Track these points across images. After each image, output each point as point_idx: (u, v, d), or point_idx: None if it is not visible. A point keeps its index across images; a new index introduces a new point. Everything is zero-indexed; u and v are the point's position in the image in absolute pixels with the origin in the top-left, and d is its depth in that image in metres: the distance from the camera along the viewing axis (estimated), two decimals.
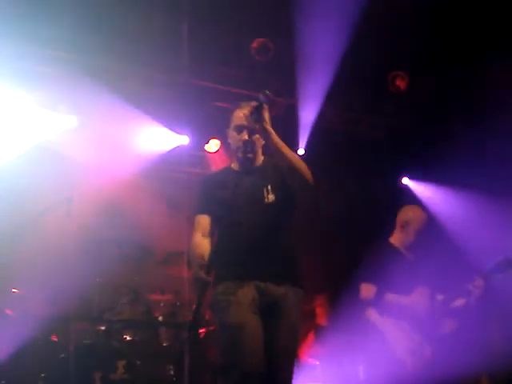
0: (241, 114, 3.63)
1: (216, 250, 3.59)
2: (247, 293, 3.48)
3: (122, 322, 5.38)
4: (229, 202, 3.59)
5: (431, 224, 4.97)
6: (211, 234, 3.64)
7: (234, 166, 3.77)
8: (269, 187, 3.59)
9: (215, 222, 3.66)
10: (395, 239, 4.87)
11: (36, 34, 5.72)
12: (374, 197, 6.81)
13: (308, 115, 6.73)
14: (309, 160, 6.43)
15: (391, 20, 6.13)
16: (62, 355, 4.96)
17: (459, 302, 4.60)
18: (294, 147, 6.86)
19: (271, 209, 3.57)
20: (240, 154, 3.66)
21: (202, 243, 3.59)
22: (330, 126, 7.04)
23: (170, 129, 6.74)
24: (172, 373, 5.34)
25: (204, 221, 3.67)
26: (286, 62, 6.35)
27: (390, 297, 4.62)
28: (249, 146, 3.62)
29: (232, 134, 3.70)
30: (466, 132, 6.52)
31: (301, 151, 6.88)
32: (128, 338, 5.28)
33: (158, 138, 6.74)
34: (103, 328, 5.26)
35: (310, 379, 5.59)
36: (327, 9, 5.78)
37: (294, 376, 3.48)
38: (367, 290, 4.64)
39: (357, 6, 5.74)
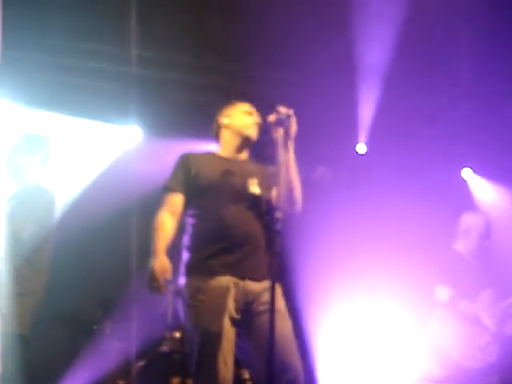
0: (249, 106, 3.64)
1: (191, 236, 3.41)
2: (224, 291, 3.27)
3: None
4: (214, 186, 3.41)
5: (494, 229, 5.01)
6: (180, 217, 3.43)
7: (221, 152, 3.63)
8: (255, 180, 3.46)
9: (192, 206, 3.44)
10: (459, 245, 4.96)
11: None
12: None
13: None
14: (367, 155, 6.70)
15: None
16: (140, 363, 5.08)
17: None
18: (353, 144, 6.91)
19: (256, 199, 3.41)
20: (250, 133, 3.53)
21: (169, 223, 3.39)
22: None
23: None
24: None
25: (176, 200, 3.45)
26: None
27: (464, 304, 4.81)
28: (256, 129, 3.51)
29: (238, 116, 3.60)
30: None
31: (362, 148, 6.90)
32: None
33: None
34: (178, 335, 5.38)
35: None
36: None
37: None
38: (442, 292, 4.81)
39: None
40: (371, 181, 6.52)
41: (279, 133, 3.31)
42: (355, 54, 6.27)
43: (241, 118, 3.61)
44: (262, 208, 3.39)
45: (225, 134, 3.65)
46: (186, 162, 3.53)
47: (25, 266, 3.98)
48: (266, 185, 3.42)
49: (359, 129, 6.78)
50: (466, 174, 6.98)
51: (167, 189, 3.50)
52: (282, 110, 3.33)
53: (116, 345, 5.60)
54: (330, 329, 5.86)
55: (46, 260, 4.15)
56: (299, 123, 3.44)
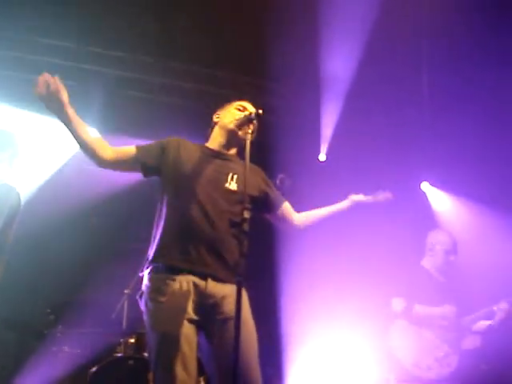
0: (245, 102, 3.59)
1: (159, 226, 3.28)
2: (184, 293, 3.14)
3: None
4: (190, 175, 3.31)
5: (459, 245, 5.08)
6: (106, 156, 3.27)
7: (210, 144, 3.55)
8: (234, 176, 3.38)
9: (166, 193, 3.32)
10: (426, 262, 5.10)
11: None
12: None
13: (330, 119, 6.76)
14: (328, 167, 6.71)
15: None
16: (93, 369, 4.92)
17: (484, 323, 4.75)
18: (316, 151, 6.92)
19: (231, 196, 3.32)
20: (233, 127, 3.43)
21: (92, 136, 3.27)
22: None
23: None
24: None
25: (125, 149, 3.36)
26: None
27: (419, 307, 4.85)
28: (250, 121, 3.33)
29: (230, 111, 3.54)
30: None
31: (322, 157, 6.93)
32: None
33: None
34: (132, 341, 5.30)
35: None
36: None
37: None
38: (397, 303, 4.86)
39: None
40: (331, 193, 6.51)
41: (249, 130, 3.28)
42: (319, 65, 6.27)
43: (230, 114, 3.54)
44: (237, 205, 3.28)
45: (214, 131, 3.60)
46: (168, 143, 3.44)
47: None
48: (247, 183, 3.20)
49: (321, 139, 6.80)
50: (425, 186, 7.02)
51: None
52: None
53: (67, 350, 5.43)
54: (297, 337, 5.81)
55: (2, 259, 3.99)
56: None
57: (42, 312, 5.61)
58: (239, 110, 3.55)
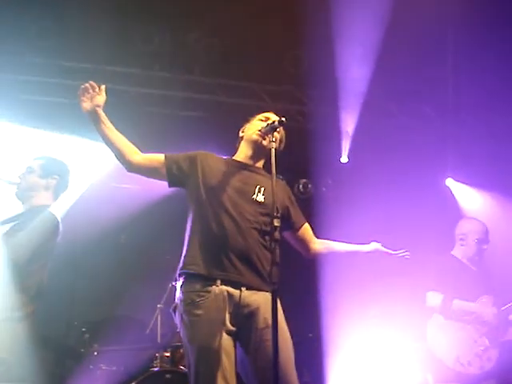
0: (269, 113, 3.59)
1: (189, 241, 3.29)
2: (219, 304, 3.14)
3: None
4: (218, 188, 3.33)
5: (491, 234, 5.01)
6: (139, 164, 3.41)
7: (237, 157, 3.56)
8: (262, 188, 3.39)
9: (194, 208, 3.35)
10: (457, 252, 5.02)
11: None
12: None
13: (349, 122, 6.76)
14: (351, 167, 6.71)
15: None
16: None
17: None
18: (337, 156, 6.93)
19: (258, 207, 3.33)
20: (257, 137, 3.43)
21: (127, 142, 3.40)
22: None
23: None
24: None
25: (156, 156, 3.49)
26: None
27: (458, 303, 4.77)
28: (274, 130, 3.30)
29: (254, 123, 3.55)
30: None
31: (344, 159, 6.93)
32: None
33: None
34: (168, 354, 5.33)
35: None
36: None
37: None
38: (434, 297, 4.79)
39: None
40: (356, 193, 6.51)
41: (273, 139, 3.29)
42: (337, 67, 6.26)
43: (253, 126, 3.55)
44: (264, 216, 3.31)
45: (241, 145, 3.61)
46: (196, 155, 3.48)
47: (16, 291, 3.75)
48: (274, 195, 3.20)
49: (342, 142, 6.80)
50: (450, 182, 6.99)
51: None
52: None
53: (104, 368, 5.46)
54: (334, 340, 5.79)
55: (38, 287, 3.91)
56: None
57: (77, 331, 5.65)
58: (262, 120, 3.55)
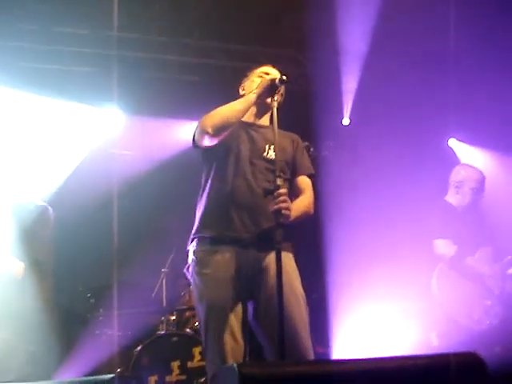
0: (267, 67, 3.57)
1: (203, 198, 3.35)
2: (227, 263, 3.20)
3: (192, 310, 5.37)
4: (230, 148, 3.35)
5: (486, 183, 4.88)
6: None
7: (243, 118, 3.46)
8: (272, 146, 3.35)
9: (209, 166, 3.39)
10: (452, 199, 4.84)
11: None
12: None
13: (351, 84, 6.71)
14: (354, 130, 6.70)
15: None
16: (138, 348, 5.00)
17: None
18: (338, 118, 6.90)
19: (270, 165, 3.32)
20: (265, 90, 3.34)
21: None
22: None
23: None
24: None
25: None
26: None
27: (471, 261, 4.64)
28: (273, 87, 3.29)
29: (253, 80, 3.51)
30: None
31: (346, 121, 6.90)
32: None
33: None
34: (173, 318, 5.39)
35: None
36: None
37: None
38: (445, 246, 4.61)
39: None
40: (358, 155, 6.50)
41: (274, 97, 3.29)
42: (338, 27, 6.19)
43: (253, 84, 3.50)
44: (275, 173, 3.24)
45: None
46: None
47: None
48: (281, 151, 3.32)
49: (344, 103, 6.76)
50: (453, 142, 6.95)
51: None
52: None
53: (110, 333, 5.52)
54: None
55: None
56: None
57: (82, 297, 5.69)
58: (261, 77, 3.52)
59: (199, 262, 3.27)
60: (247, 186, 3.28)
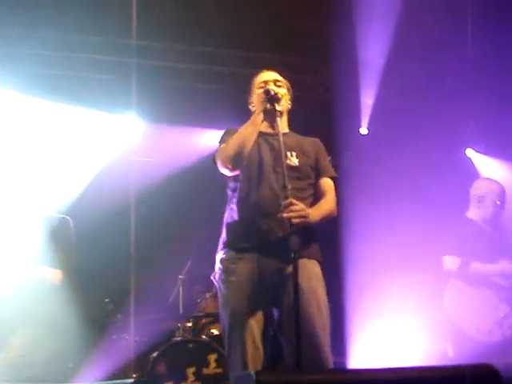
0: (264, 75, 3.57)
1: (228, 211, 3.41)
2: (251, 271, 3.24)
3: (208, 317, 5.47)
4: (256, 156, 3.36)
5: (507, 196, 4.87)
6: None
7: (261, 128, 3.45)
8: (293, 152, 3.41)
9: (232, 179, 3.42)
10: (473, 214, 4.84)
11: None
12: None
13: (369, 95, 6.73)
14: (372, 140, 6.72)
15: None
16: (154, 354, 4.98)
17: None
18: (356, 128, 6.92)
19: (294, 173, 3.34)
20: (266, 105, 3.34)
21: None
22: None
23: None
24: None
25: None
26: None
27: (476, 265, 4.60)
28: (274, 95, 3.33)
29: (256, 93, 3.51)
30: None
31: (364, 130, 6.93)
32: (216, 332, 5.30)
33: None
34: (190, 324, 5.42)
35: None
36: None
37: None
38: (451, 261, 4.63)
39: None
40: (378, 163, 6.51)
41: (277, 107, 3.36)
42: (355, 37, 6.22)
43: (257, 98, 3.50)
44: (300, 181, 3.36)
45: None
46: (231, 133, 3.46)
47: None
48: (304, 156, 3.42)
49: (362, 113, 6.79)
50: (470, 153, 6.95)
51: (222, 142, 3.47)
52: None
53: (127, 338, 5.56)
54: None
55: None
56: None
57: (101, 302, 5.74)
58: (261, 87, 3.50)
59: (225, 270, 3.32)
60: (273, 194, 3.31)
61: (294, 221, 3.10)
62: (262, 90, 3.46)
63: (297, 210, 3.12)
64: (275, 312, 3.32)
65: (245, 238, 3.31)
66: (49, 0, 5.69)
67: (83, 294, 5.24)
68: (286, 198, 3.13)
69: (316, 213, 3.29)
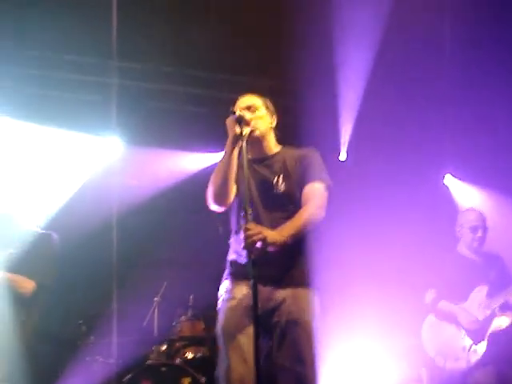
0: (242, 100, 3.56)
1: (230, 239, 3.52)
2: (246, 297, 3.28)
3: (183, 340, 5.45)
4: (246, 184, 3.22)
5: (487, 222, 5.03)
6: None
7: (250, 155, 3.43)
8: (280, 177, 3.40)
9: (231, 212, 3.48)
10: (459, 246, 5.08)
11: None
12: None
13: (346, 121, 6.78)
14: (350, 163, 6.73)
15: None
16: (127, 377, 4.96)
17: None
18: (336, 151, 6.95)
19: (283, 199, 3.37)
20: (235, 131, 3.28)
21: None
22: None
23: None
24: None
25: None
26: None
27: (443, 304, 4.86)
28: (238, 117, 3.29)
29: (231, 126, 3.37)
30: None
31: (343, 156, 6.96)
32: (190, 356, 5.30)
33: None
34: (164, 348, 5.38)
35: None
36: None
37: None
38: (429, 295, 4.91)
39: None
40: (355, 190, 6.54)
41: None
42: (335, 57, 6.27)
43: (228, 123, 3.41)
44: (289, 206, 3.38)
45: None
46: None
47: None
48: (290, 178, 3.42)
49: (341, 138, 6.82)
50: (448, 179, 7.02)
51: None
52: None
53: (101, 360, 5.49)
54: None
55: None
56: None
57: (74, 323, 5.68)
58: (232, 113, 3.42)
59: (225, 291, 3.44)
60: (262, 223, 3.25)
61: (257, 246, 3.04)
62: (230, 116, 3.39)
63: (251, 234, 3.04)
64: (266, 340, 3.35)
65: (239, 270, 3.39)
66: (28, 17, 5.67)
67: (53, 312, 5.22)
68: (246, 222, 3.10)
69: (284, 231, 3.17)
